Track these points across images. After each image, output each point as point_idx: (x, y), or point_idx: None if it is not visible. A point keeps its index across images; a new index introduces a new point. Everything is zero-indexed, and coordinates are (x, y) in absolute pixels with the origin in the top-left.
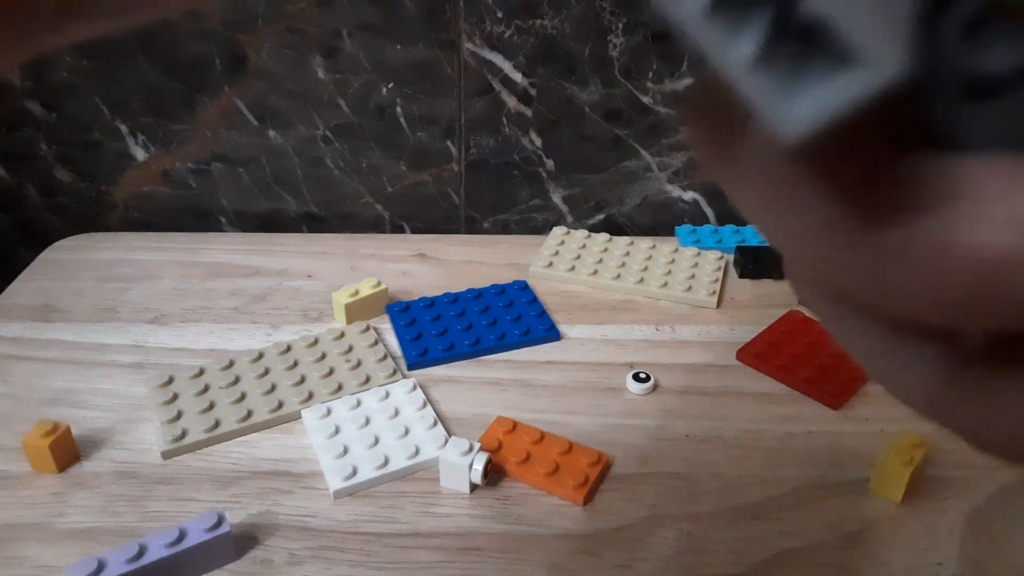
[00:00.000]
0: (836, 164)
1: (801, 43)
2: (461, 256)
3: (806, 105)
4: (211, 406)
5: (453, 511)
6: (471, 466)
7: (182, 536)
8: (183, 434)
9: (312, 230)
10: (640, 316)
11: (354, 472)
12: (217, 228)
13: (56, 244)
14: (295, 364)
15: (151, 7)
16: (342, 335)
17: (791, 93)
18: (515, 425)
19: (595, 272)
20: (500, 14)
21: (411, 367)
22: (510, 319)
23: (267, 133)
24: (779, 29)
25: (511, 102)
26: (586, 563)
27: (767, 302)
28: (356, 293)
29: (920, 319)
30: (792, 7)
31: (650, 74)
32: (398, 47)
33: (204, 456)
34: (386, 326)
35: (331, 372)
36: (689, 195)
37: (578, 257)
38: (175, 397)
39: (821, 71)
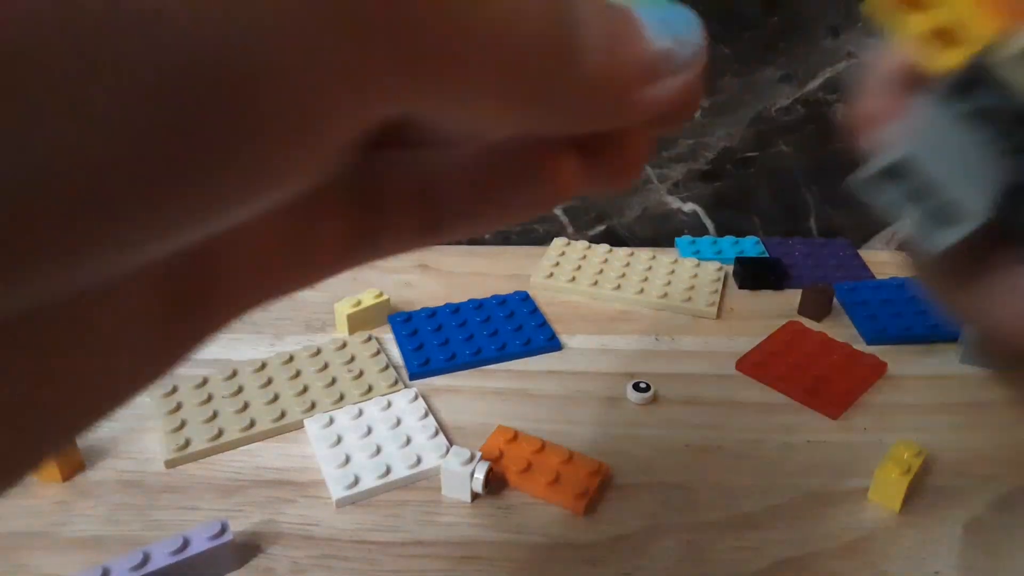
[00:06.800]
0: (951, 264)
1: (935, 206)
2: (463, 267)
3: (941, 241)
4: (214, 415)
5: (454, 520)
6: (472, 475)
7: (186, 544)
8: (187, 443)
9: None
10: (640, 326)
11: (356, 481)
12: None
13: None
14: (298, 374)
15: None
16: (344, 345)
17: (934, 236)
18: (516, 434)
19: (595, 283)
20: None
21: (413, 377)
22: (511, 329)
23: None
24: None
25: None
26: (586, 572)
27: (766, 312)
28: (358, 303)
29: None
30: (934, 192)
31: None
32: None
33: (207, 465)
34: (388, 336)
35: (333, 382)
36: (689, 207)
37: (579, 268)
38: (179, 406)
39: (942, 222)
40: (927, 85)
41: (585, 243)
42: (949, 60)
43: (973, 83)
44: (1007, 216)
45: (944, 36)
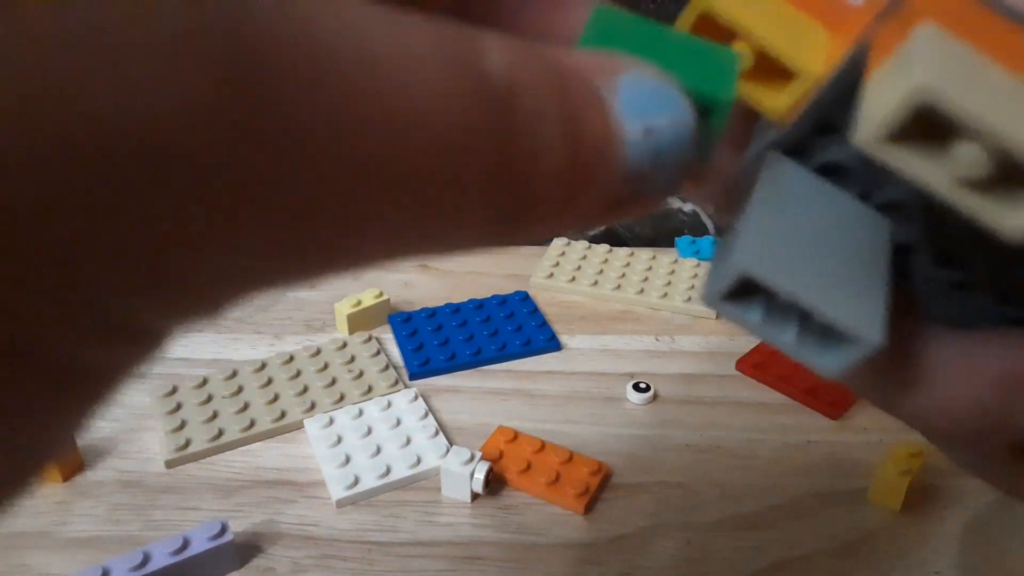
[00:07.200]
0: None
1: (812, 323)
2: (463, 267)
3: (830, 367)
4: (214, 415)
5: (454, 520)
6: (472, 475)
7: (186, 544)
8: (187, 443)
9: None
10: (640, 326)
11: (356, 481)
12: None
13: None
14: (298, 374)
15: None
16: (344, 345)
17: (820, 360)
18: (516, 435)
19: (595, 283)
20: None
21: (413, 377)
22: (511, 329)
23: None
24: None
25: None
26: (586, 572)
27: None
28: (358, 303)
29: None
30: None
31: None
32: None
33: (207, 465)
34: (388, 336)
35: (333, 382)
36: (688, 206)
37: (579, 268)
38: (179, 407)
39: (826, 339)
40: (762, 133)
41: (585, 243)
42: (781, 100)
43: (812, 135)
44: (904, 286)
45: (768, 70)
